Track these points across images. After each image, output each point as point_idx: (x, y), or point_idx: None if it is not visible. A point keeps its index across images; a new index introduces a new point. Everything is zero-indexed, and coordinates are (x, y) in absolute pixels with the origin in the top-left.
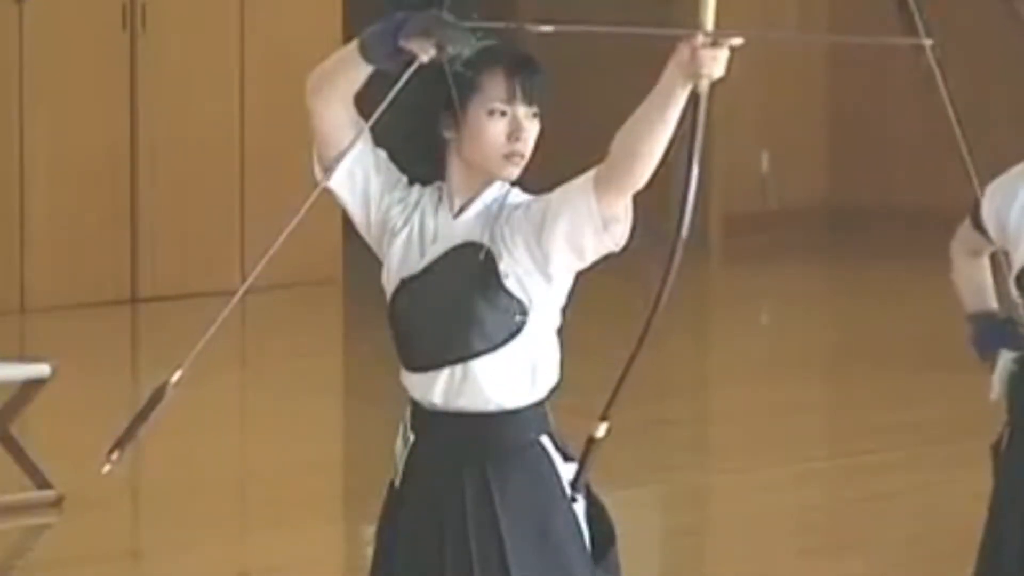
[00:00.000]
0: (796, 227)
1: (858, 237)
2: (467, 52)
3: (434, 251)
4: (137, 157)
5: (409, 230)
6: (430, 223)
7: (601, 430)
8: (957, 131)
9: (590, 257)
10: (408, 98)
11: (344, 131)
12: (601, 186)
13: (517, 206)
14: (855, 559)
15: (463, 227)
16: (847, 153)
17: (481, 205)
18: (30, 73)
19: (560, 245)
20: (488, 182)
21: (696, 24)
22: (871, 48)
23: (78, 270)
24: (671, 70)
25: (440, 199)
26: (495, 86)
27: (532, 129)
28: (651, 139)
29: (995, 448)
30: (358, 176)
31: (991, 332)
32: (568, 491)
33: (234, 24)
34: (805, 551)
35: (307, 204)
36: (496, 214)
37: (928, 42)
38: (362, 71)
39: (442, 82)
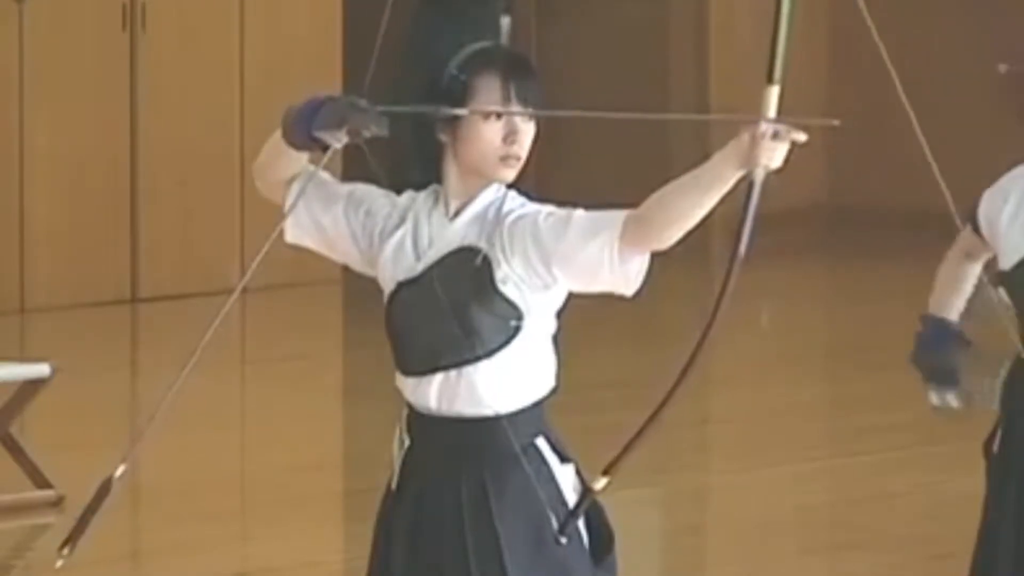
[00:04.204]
0: (796, 227)
1: (858, 237)
2: (384, 134)
3: (430, 255)
4: (137, 157)
5: (403, 233)
6: (425, 227)
7: (600, 483)
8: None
9: (598, 290)
10: (405, 102)
11: (311, 199)
12: (628, 238)
13: (521, 215)
14: (855, 559)
15: (459, 231)
16: (847, 153)
17: (478, 208)
18: (30, 73)
19: (570, 276)
20: (484, 185)
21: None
22: (871, 49)
23: (78, 270)
24: (726, 153)
25: (436, 202)
26: (490, 89)
27: (528, 131)
28: (689, 212)
29: (986, 447)
30: (328, 229)
31: (938, 334)
32: (566, 492)
33: (234, 24)
34: (805, 551)
35: (275, 231)
36: (494, 219)
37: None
38: (295, 155)
39: (437, 87)
